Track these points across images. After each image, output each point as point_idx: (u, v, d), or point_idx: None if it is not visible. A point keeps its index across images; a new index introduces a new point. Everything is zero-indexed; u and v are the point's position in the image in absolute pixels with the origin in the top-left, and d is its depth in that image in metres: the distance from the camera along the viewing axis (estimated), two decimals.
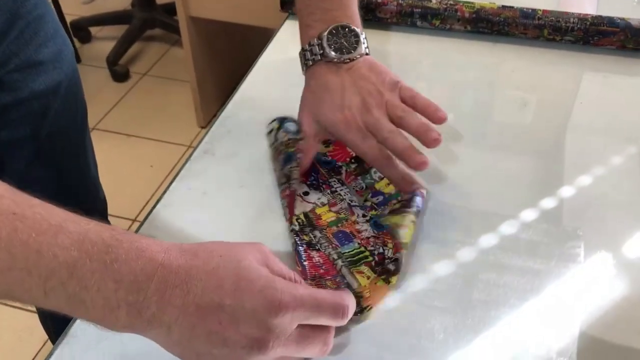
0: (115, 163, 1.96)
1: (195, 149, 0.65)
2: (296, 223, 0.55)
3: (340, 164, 0.62)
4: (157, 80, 2.33)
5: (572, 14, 0.75)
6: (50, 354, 0.48)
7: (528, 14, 0.76)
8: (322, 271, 0.51)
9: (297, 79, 0.61)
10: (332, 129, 0.58)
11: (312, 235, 0.54)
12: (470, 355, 0.47)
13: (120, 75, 2.30)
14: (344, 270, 0.51)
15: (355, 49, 0.59)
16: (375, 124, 0.56)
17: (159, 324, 0.39)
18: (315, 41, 0.60)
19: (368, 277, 0.50)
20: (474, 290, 0.51)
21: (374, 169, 0.60)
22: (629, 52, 0.75)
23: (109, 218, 0.99)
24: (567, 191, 0.59)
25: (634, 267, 0.53)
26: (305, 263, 0.52)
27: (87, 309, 0.38)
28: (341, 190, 0.59)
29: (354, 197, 0.58)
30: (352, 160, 0.62)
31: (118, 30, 2.41)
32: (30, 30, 0.68)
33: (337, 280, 0.50)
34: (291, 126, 0.63)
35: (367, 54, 0.60)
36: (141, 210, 1.79)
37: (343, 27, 0.60)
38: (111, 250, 0.38)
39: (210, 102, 2.06)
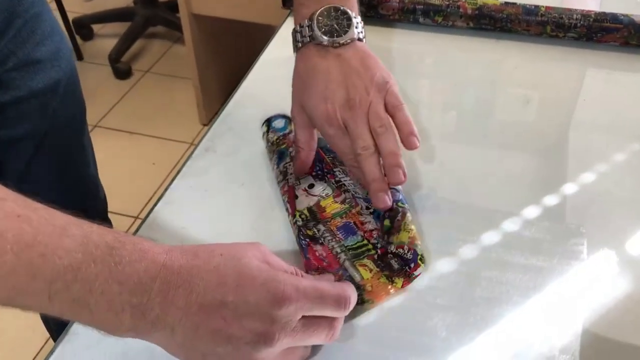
0: (117, 160, 1.96)
1: (196, 146, 0.65)
2: (300, 219, 0.55)
3: None
4: (160, 78, 2.33)
5: (575, 10, 0.75)
6: (52, 351, 0.48)
7: (531, 11, 0.76)
8: (325, 264, 0.52)
9: None
10: (314, 120, 0.57)
11: (315, 230, 0.54)
12: (473, 353, 0.47)
13: (122, 72, 2.31)
14: (347, 264, 0.51)
15: (346, 32, 0.57)
16: (353, 129, 0.54)
17: (162, 326, 0.39)
18: (306, 22, 0.58)
19: (370, 270, 0.51)
20: (477, 287, 0.51)
21: None
22: (633, 48, 0.75)
23: (112, 216, 0.99)
24: (570, 188, 0.59)
25: (636, 264, 0.53)
26: (308, 256, 0.52)
27: (91, 312, 0.38)
28: (345, 180, 0.59)
29: (358, 189, 0.58)
30: None
31: (120, 28, 2.41)
32: (28, 29, 0.68)
33: (340, 273, 0.51)
34: (278, 123, 0.63)
35: (360, 39, 0.58)
36: (143, 208, 1.79)
37: (336, 8, 0.58)
38: (115, 252, 0.38)
39: (213, 100, 2.06)
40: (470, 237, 0.55)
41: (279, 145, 0.61)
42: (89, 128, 0.87)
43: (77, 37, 2.41)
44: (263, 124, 0.64)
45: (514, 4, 0.77)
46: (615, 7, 0.76)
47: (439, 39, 0.79)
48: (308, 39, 0.58)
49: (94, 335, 0.48)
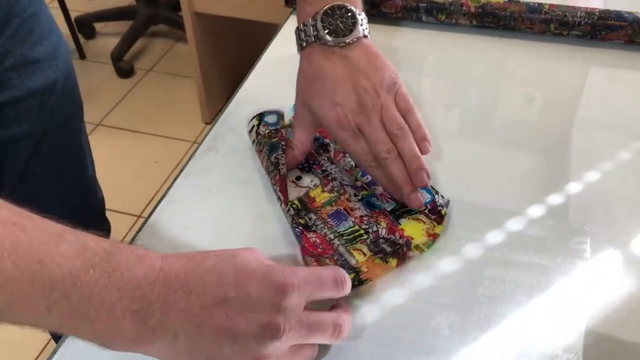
0: (120, 159, 1.96)
1: (199, 145, 0.65)
2: (291, 209, 0.56)
3: (327, 140, 0.62)
4: (162, 76, 2.33)
5: (579, 8, 0.75)
6: (54, 351, 0.48)
7: (534, 9, 0.76)
8: (319, 250, 0.52)
9: None
10: (325, 125, 0.57)
11: (307, 218, 0.55)
12: (476, 352, 0.47)
13: (124, 71, 2.31)
14: (341, 249, 0.52)
15: (351, 31, 0.57)
16: (370, 132, 0.54)
17: (164, 332, 0.38)
18: (310, 21, 0.57)
19: (364, 254, 0.52)
20: (480, 286, 0.51)
21: None
22: (637, 46, 0.75)
23: (114, 214, 0.99)
24: (573, 187, 0.59)
25: None
26: (303, 243, 0.53)
27: (91, 321, 0.37)
28: (331, 169, 0.59)
29: (345, 176, 0.59)
30: None
31: (122, 26, 2.41)
32: (25, 28, 0.68)
33: (335, 258, 0.52)
34: (271, 118, 0.63)
35: (365, 36, 0.58)
36: (146, 207, 1.79)
37: (340, 7, 0.57)
38: (112, 258, 0.38)
39: (215, 98, 2.06)
40: (473, 236, 0.54)
41: (271, 138, 0.61)
42: (92, 127, 0.87)
43: (80, 36, 2.41)
44: (253, 118, 0.64)
45: (518, 1, 0.76)
46: (619, 5, 0.75)
47: (442, 37, 0.79)
48: (313, 39, 0.57)
49: None
